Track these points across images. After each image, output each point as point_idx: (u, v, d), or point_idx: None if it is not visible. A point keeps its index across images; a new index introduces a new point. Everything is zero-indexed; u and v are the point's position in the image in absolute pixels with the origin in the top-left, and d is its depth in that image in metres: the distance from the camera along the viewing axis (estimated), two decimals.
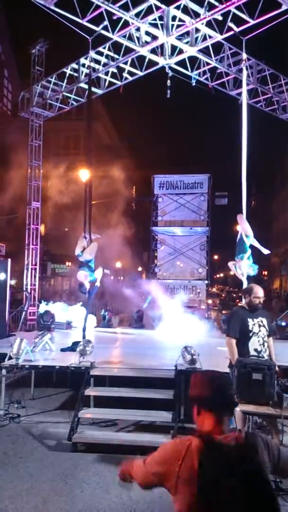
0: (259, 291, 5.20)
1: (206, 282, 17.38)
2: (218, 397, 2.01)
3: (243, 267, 7.95)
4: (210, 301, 20.58)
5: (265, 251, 8.41)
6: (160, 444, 2.09)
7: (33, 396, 7.69)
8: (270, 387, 4.32)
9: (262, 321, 5.10)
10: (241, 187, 9.20)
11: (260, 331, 5.05)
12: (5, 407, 6.82)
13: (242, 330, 5.03)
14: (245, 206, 9.02)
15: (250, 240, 8.12)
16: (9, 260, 10.75)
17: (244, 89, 9.59)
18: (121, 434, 5.94)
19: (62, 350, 8.39)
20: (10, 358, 7.03)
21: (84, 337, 8.68)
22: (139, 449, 5.50)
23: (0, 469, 5.05)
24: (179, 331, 10.52)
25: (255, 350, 4.97)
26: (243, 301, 5.87)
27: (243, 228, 8.30)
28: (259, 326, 5.07)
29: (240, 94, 10.37)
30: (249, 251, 8.01)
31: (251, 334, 5.01)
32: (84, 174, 10.94)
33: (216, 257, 65.54)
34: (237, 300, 23.01)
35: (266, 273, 54.41)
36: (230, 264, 8.45)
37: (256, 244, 8.21)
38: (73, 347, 8.20)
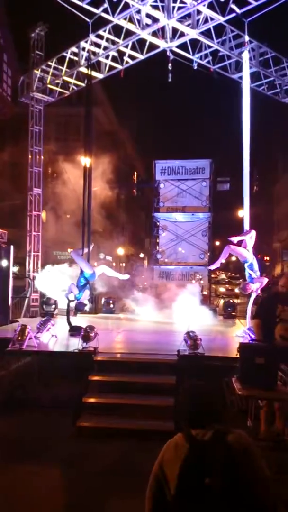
0: (286, 281, 5.29)
1: (208, 268, 17.35)
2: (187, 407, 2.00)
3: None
4: (223, 289, 20.12)
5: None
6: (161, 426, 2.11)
7: (36, 381, 7.75)
8: (273, 371, 4.33)
9: None
10: (243, 172, 9.17)
11: None
12: (9, 393, 6.88)
13: (269, 315, 5.08)
14: (247, 191, 9.02)
15: (249, 263, 8.70)
16: (12, 247, 10.75)
17: (246, 72, 9.47)
18: (124, 419, 5.99)
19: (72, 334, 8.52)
20: (14, 344, 7.08)
21: (70, 326, 8.88)
22: (142, 433, 5.57)
23: (4, 453, 5.12)
24: (182, 317, 10.56)
25: (281, 336, 4.98)
26: None
27: (240, 256, 8.63)
28: None
29: (242, 77, 10.23)
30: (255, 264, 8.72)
31: (278, 320, 5.03)
32: (84, 161, 10.87)
33: (217, 243, 65.50)
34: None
35: (268, 258, 54.41)
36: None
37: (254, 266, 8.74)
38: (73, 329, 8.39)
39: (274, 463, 3.44)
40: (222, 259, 9.25)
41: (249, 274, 8.67)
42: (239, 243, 8.85)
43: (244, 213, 9.29)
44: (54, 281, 11.85)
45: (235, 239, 8.83)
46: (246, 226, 9.16)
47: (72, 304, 9.55)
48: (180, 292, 12.09)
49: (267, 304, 5.36)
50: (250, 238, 8.77)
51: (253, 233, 8.86)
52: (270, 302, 5.34)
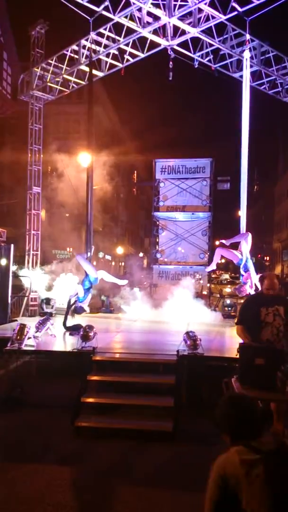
0: (270, 283, 4.98)
1: (206, 270, 17.32)
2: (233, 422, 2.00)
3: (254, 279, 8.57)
4: (229, 289, 19.80)
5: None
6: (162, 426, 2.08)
7: (35, 381, 7.73)
8: (273, 372, 4.30)
9: (277, 310, 4.87)
10: (240, 170, 9.14)
11: (274, 320, 4.84)
12: (8, 392, 6.85)
13: (253, 319, 4.86)
14: (245, 190, 9.00)
15: (243, 263, 8.70)
16: (12, 245, 10.71)
17: (247, 71, 9.43)
18: (123, 419, 5.96)
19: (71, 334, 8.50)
20: (12, 343, 7.04)
21: (66, 327, 8.89)
22: (141, 434, 5.54)
23: (4, 452, 5.09)
24: (182, 317, 10.53)
25: (268, 340, 4.80)
26: None
27: (231, 257, 8.61)
28: (274, 315, 4.84)
29: (242, 76, 10.19)
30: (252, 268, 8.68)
31: (263, 324, 4.83)
32: (85, 160, 10.86)
33: (217, 242, 65.53)
34: None
35: (268, 258, 54.44)
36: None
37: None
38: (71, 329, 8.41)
39: None
40: (215, 262, 9.30)
41: (242, 275, 8.65)
42: (236, 246, 8.84)
43: (241, 213, 9.29)
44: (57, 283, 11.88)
45: (227, 242, 8.90)
46: (243, 225, 9.14)
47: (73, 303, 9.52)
48: (179, 292, 12.06)
49: (247, 309, 5.08)
50: (246, 243, 8.69)
51: (249, 236, 8.78)
52: (250, 305, 5.10)
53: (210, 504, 1.87)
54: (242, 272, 8.67)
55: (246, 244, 8.67)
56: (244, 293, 8.61)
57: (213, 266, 9.86)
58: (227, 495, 1.83)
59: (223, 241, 8.89)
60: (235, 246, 8.94)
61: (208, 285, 16.98)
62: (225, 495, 1.84)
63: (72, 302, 9.21)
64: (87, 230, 10.28)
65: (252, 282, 8.50)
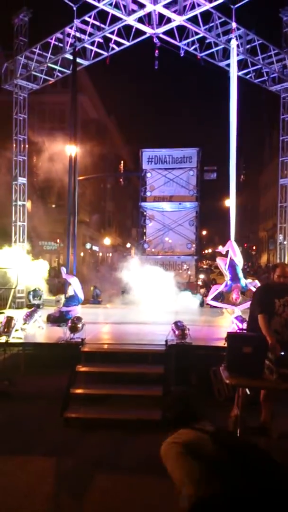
0: (282, 270, 5.03)
1: (196, 257, 17.40)
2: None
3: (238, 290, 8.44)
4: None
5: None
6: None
7: (23, 373, 7.70)
8: (260, 360, 4.34)
9: (287, 301, 4.93)
10: (229, 161, 9.13)
11: (284, 311, 4.90)
12: None
13: (269, 309, 4.90)
14: (234, 180, 9.00)
15: (240, 266, 8.61)
16: None
17: (234, 60, 9.38)
18: (112, 409, 5.98)
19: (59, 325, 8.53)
20: (0, 335, 7.00)
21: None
22: (129, 423, 5.57)
23: None
24: (169, 307, 10.56)
25: (276, 331, 4.83)
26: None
27: (236, 255, 8.50)
28: (284, 306, 4.90)
29: (229, 65, 10.14)
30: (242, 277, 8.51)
31: (274, 315, 4.87)
32: (69, 150, 10.75)
33: (204, 232, 65.71)
34: None
35: (254, 247, 54.83)
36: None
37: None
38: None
39: None
40: (225, 271, 9.08)
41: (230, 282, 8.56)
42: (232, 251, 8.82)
43: (230, 202, 9.28)
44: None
45: (223, 249, 8.98)
46: (232, 215, 9.12)
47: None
48: (167, 282, 12.09)
49: (266, 297, 5.05)
50: (232, 251, 8.65)
51: (232, 244, 8.74)
52: (268, 294, 5.07)
53: (181, 474, 1.92)
54: (227, 279, 8.54)
55: (234, 253, 8.59)
56: (238, 300, 8.51)
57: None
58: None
59: (218, 250, 8.97)
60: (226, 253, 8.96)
61: (202, 276, 17.07)
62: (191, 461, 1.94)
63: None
64: (70, 221, 10.20)
65: (238, 293, 8.45)
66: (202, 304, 12.19)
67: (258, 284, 8.11)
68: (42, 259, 12.91)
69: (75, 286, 9.77)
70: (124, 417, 5.72)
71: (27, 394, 6.80)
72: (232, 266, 8.49)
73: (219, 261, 9.12)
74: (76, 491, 4.17)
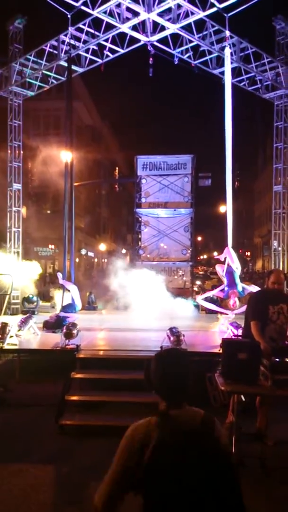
0: (277, 276, 5.04)
1: (191, 263, 17.42)
2: (160, 379, 1.92)
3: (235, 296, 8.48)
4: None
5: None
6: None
7: (18, 379, 7.66)
8: (255, 367, 4.35)
9: (282, 309, 4.91)
10: (225, 167, 9.18)
11: (278, 318, 4.88)
12: None
13: (262, 316, 4.88)
14: (230, 187, 9.05)
15: (238, 272, 8.60)
16: None
17: (228, 68, 9.45)
18: (108, 416, 5.96)
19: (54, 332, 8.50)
20: None
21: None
22: (125, 430, 5.54)
23: None
24: (164, 313, 10.55)
25: (271, 338, 4.82)
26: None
27: (234, 261, 8.54)
28: (278, 313, 4.88)
29: (223, 73, 10.23)
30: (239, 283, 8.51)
31: (268, 322, 4.86)
32: (65, 156, 10.77)
33: (199, 238, 65.90)
34: None
35: (249, 253, 55.00)
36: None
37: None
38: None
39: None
40: (224, 279, 9.12)
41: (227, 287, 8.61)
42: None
43: (227, 208, 9.32)
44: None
45: (221, 256, 9.05)
46: (229, 220, 9.15)
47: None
48: (162, 288, 12.08)
49: (260, 304, 5.06)
50: (230, 257, 8.70)
51: (229, 251, 8.80)
52: (262, 300, 5.09)
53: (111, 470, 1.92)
54: (224, 285, 8.57)
55: (231, 259, 8.64)
56: (235, 305, 8.54)
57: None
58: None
59: (216, 257, 9.03)
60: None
61: (199, 282, 17.05)
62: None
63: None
64: (67, 226, 10.18)
65: (234, 300, 8.49)
66: (197, 309, 12.19)
67: (256, 288, 8.14)
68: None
69: (73, 294, 9.70)
70: (119, 424, 5.66)
71: (22, 400, 6.77)
72: (230, 272, 8.52)
73: (218, 268, 9.17)
74: (71, 499, 4.15)
